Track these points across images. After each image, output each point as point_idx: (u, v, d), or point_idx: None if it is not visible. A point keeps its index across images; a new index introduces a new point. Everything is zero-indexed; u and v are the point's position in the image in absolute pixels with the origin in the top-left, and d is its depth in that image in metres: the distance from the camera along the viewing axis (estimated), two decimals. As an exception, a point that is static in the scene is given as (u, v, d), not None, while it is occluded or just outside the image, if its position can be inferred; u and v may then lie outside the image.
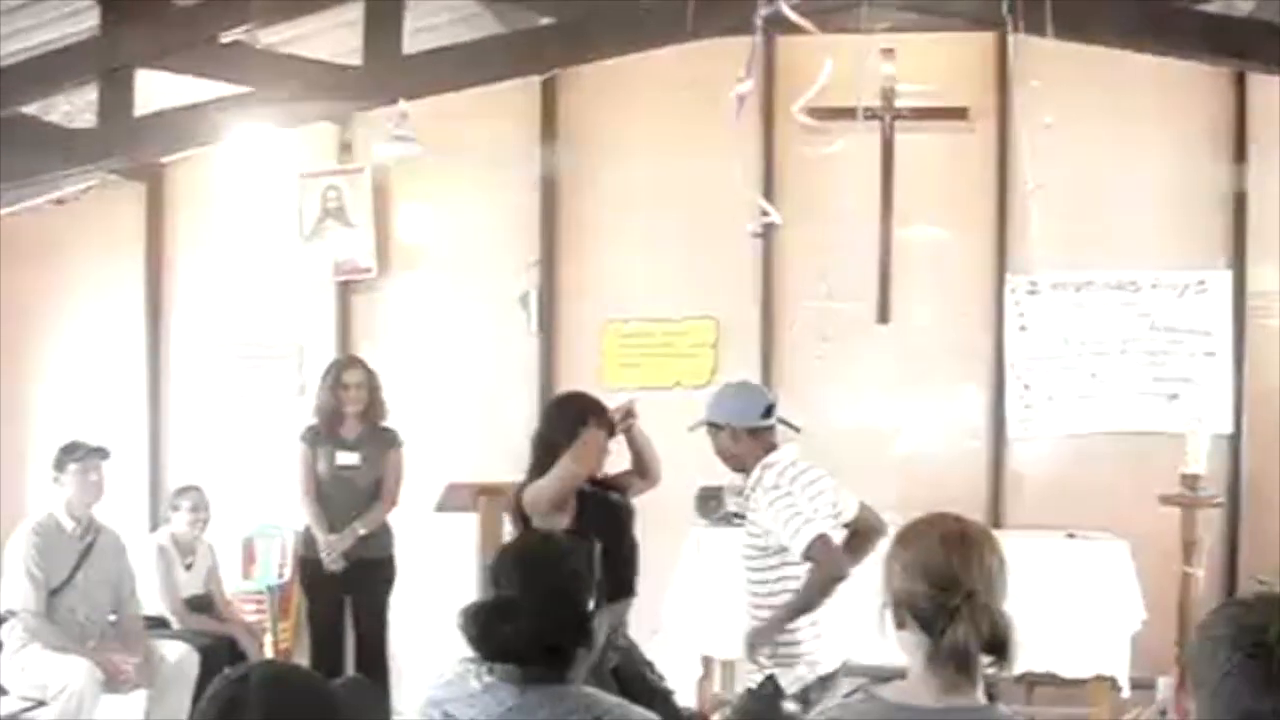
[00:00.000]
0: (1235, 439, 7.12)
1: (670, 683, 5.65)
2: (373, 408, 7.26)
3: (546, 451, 5.26)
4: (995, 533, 6.79)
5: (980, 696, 2.72)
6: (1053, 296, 7.31)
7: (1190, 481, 6.37)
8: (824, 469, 4.92)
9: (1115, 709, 6.28)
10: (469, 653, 2.90)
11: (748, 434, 4.85)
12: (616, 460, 5.53)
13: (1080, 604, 6.26)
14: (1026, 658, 6.29)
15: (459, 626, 2.85)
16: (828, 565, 4.61)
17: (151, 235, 8.43)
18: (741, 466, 4.89)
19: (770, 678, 4.73)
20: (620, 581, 4.99)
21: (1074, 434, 7.31)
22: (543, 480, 5.14)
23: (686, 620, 6.65)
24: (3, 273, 8.13)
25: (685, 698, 6.31)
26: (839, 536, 4.83)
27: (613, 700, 2.89)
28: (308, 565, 7.31)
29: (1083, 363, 7.27)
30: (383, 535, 7.24)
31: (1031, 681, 6.55)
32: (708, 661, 6.80)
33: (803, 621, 4.68)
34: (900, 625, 2.70)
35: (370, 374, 7.29)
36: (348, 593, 7.24)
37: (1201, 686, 2.24)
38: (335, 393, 7.18)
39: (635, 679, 5.26)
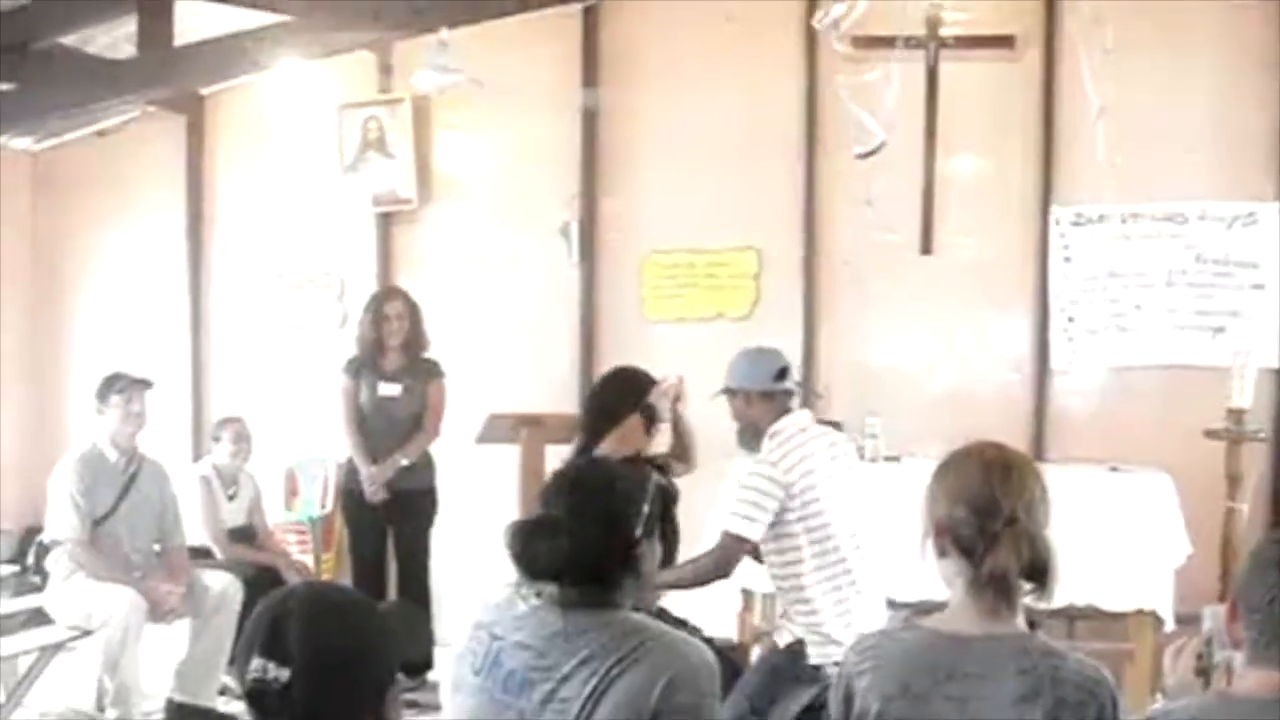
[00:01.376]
0: (1281, 373, 7.04)
1: (706, 631, 5.70)
2: (414, 339, 7.26)
3: (600, 419, 5.21)
4: (1039, 465, 6.81)
5: (1021, 624, 2.75)
6: (1098, 228, 7.21)
7: (1235, 416, 6.30)
8: (835, 435, 4.97)
9: (1158, 643, 6.24)
10: (514, 575, 2.89)
11: (760, 397, 4.89)
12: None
13: (1123, 537, 6.20)
14: (1068, 590, 6.32)
15: (505, 543, 2.85)
16: (717, 561, 4.80)
17: (192, 167, 8.45)
18: (756, 432, 4.88)
19: (801, 641, 4.77)
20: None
21: (1118, 367, 7.23)
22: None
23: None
24: (45, 204, 8.17)
25: (726, 629, 6.33)
26: (854, 513, 4.86)
27: (660, 626, 2.87)
28: (350, 497, 7.34)
29: (1128, 295, 7.17)
30: (424, 467, 7.26)
31: (1073, 615, 6.52)
32: (748, 594, 6.79)
33: (828, 605, 4.72)
34: (941, 553, 2.74)
35: (412, 305, 7.28)
36: (390, 524, 7.27)
37: (1253, 612, 2.24)
38: (376, 324, 7.18)
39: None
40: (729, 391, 4.97)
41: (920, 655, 2.72)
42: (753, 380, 4.91)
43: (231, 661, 6.10)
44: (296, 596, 2.26)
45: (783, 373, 4.95)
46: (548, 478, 3.12)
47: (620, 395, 5.27)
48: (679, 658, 2.78)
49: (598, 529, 2.83)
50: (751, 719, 4.79)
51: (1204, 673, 2.68)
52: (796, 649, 4.78)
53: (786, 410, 4.90)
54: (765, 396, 4.89)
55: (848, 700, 2.82)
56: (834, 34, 6.37)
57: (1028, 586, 2.69)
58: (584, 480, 3.00)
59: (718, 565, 4.83)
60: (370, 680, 2.23)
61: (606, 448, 4.95)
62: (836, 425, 6.86)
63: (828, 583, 4.73)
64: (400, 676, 2.28)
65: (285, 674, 2.13)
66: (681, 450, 5.46)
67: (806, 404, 7.14)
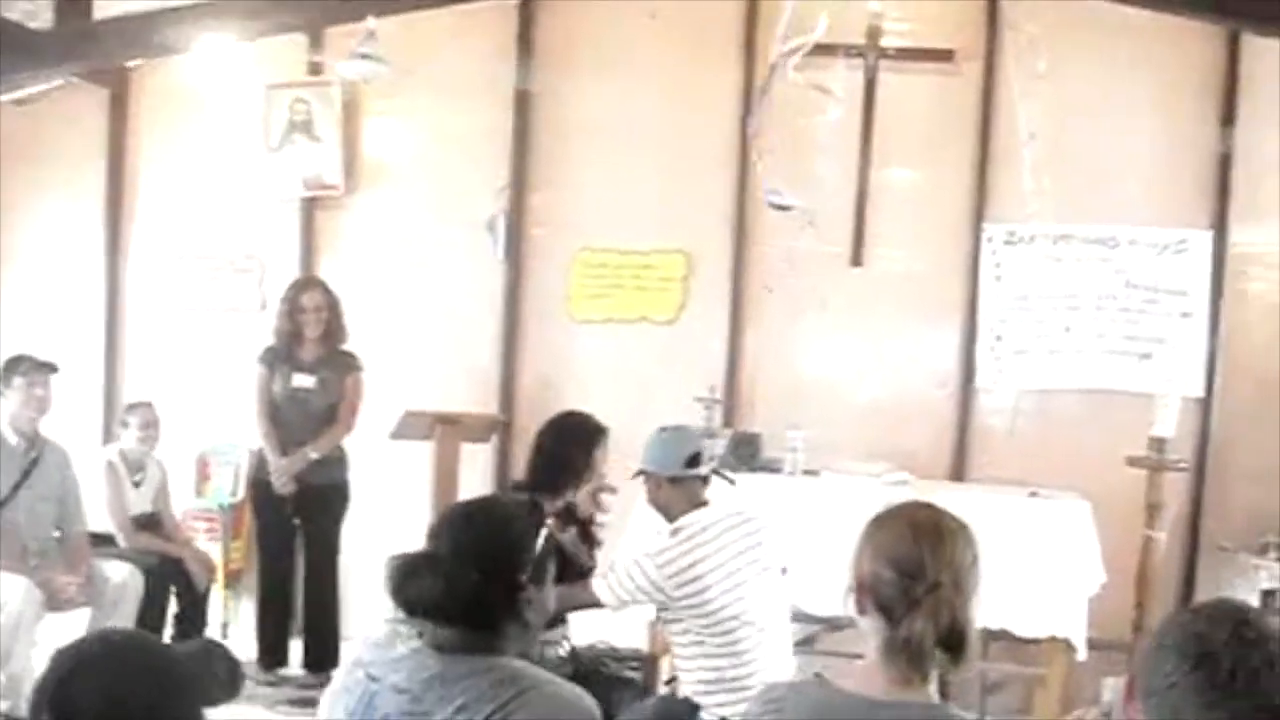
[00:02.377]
0: (1206, 403, 7.01)
1: (623, 629, 5.62)
2: (333, 331, 7.12)
3: (553, 468, 5.20)
4: (958, 487, 6.77)
5: (932, 693, 2.67)
6: (1030, 248, 7.17)
7: (1158, 444, 6.28)
8: (753, 524, 4.73)
9: (1068, 670, 6.22)
10: (394, 612, 2.79)
11: (669, 483, 4.73)
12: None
13: (1039, 564, 6.16)
14: (984, 613, 6.27)
15: (384, 578, 2.75)
16: (581, 602, 4.71)
17: (114, 141, 8.23)
18: (669, 516, 4.73)
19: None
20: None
21: (1043, 389, 7.20)
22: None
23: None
24: (-41, 173, 7.95)
25: (637, 639, 6.24)
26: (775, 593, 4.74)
27: (543, 674, 2.76)
28: (259, 487, 7.23)
29: (1056, 317, 7.14)
30: (336, 461, 7.14)
31: (986, 638, 6.49)
32: (661, 604, 6.71)
33: (715, 678, 4.59)
34: (861, 611, 2.66)
35: (330, 296, 7.15)
36: (299, 517, 7.15)
37: (1149, 696, 2.17)
38: (293, 315, 7.05)
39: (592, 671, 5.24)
40: (642, 472, 4.82)
41: (825, 715, 2.64)
42: (662, 465, 4.74)
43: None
44: (86, 652, 2.18)
45: (694, 458, 4.76)
46: (440, 513, 3.01)
47: (568, 445, 5.26)
48: (558, 709, 2.67)
49: (479, 570, 2.72)
50: None
51: (1100, 746, 2.61)
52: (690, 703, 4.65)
53: (697, 499, 4.74)
54: (675, 482, 4.72)
55: (746, 751, 2.73)
56: (786, 63, 6.25)
57: (942, 656, 2.60)
58: (473, 518, 2.89)
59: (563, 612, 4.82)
60: None
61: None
62: (755, 438, 6.85)
63: (717, 658, 4.58)
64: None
65: None
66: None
67: (728, 424, 7.14)
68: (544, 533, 2.87)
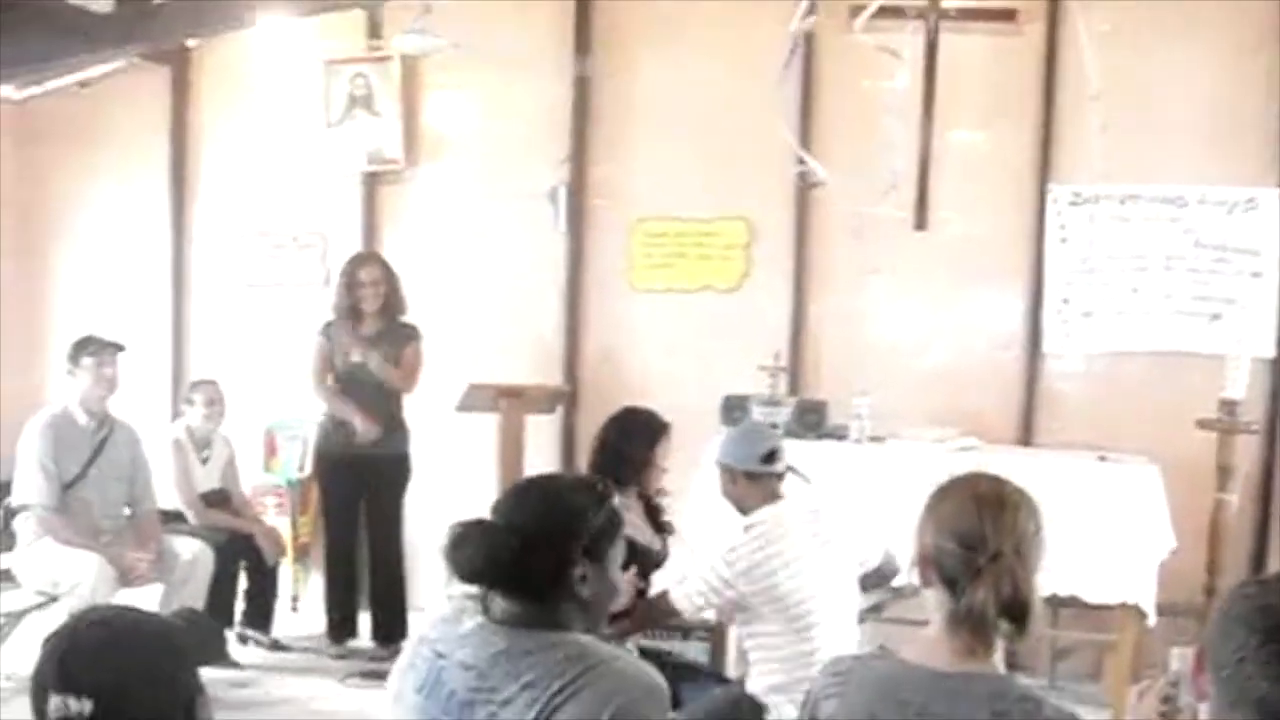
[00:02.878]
0: (1277, 364, 6.89)
1: (699, 635, 5.64)
2: (391, 304, 7.13)
3: (615, 463, 5.15)
4: (1026, 452, 6.72)
5: (998, 663, 2.67)
6: (1095, 209, 7.07)
7: (1228, 406, 6.19)
8: (826, 520, 4.72)
9: (1139, 636, 6.16)
10: (461, 586, 2.79)
11: (745, 477, 4.73)
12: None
13: (1109, 530, 6.10)
14: (1052, 580, 6.21)
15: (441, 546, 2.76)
16: (660, 614, 4.78)
17: (176, 120, 8.28)
18: (741, 511, 4.74)
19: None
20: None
21: (1111, 351, 7.11)
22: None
23: (705, 529, 6.55)
24: (25, 155, 8.02)
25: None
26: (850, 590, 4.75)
27: (609, 651, 2.74)
28: (324, 460, 7.28)
29: (1124, 279, 7.04)
30: (398, 433, 7.18)
31: (1056, 604, 6.44)
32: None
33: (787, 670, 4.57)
34: (926, 583, 2.69)
35: (388, 269, 7.16)
36: (363, 489, 7.19)
37: (1219, 669, 2.14)
38: (351, 290, 7.07)
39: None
40: (719, 465, 4.84)
41: (891, 687, 2.64)
42: (739, 459, 4.75)
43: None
44: (83, 628, 2.21)
45: (771, 455, 4.76)
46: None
47: (630, 441, 5.26)
48: (626, 686, 2.64)
49: (522, 537, 2.70)
50: None
51: (1167, 716, 2.58)
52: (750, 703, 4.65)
53: (773, 494, 4.73)
54: (750, 477, 4.73)
55: (813, 723, 2.74)
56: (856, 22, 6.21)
57: (1006, 626, 2.61)
58: (529, 491, 2.88)
59: (658, 617, 4.87)
60: (177, 699, 2.18)
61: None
62: (821, 405, 6.82)
63: (789, 660, 4.54)
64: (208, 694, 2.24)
65: (88, 706, 2.06)
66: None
67: (793, 391, 7.10)
68: (609, 511, 2.85)
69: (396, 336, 7.13)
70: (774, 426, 6.10)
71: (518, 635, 2.70)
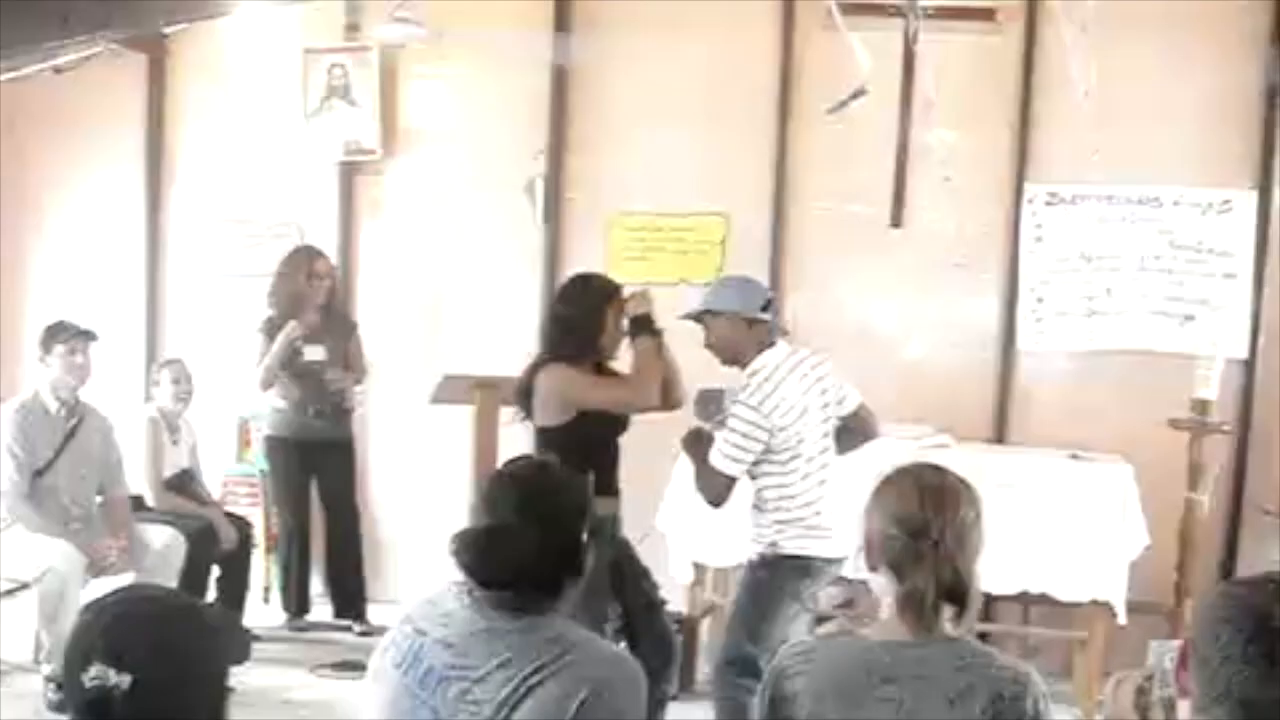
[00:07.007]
0: (1250, 365, 6.94)
1: (662, 593, 5.61)
2: (334, 296, 7.33)
3: (566, 331, 5.23)
4: (999, 449, 6.76)
5: (949, 630, 2.81)
6: (1071, 208, 7.11)
7: (1201, 406, 6.24)
8: (821, 355, 5.03)
9: (1109, 634, 6.19)
10: (460, 576, 2.82)
11: (747, 324, 4.94)
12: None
13: (1081, 528, 6.15)
14: (1024, 578, 6.26)
15: (452, 553, 2.78)
16: (714, 490, 4.90)
17: (152, 108, 8.22)
18: (735, 358, 4.96)
19: (774, 544, 4.92)
20: (609, 483, 5.16)
21: (1085, 350, 7.15)
22: (596, 384, 5.21)
23: (680, 525, 6.56)
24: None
25: (676, 602, 6.25)
26: (828, 426, 5.02)
27: (585, 635, 2.82)
28: (275, 442, 7.41)
29: (1098, 278, 7.09)
30: (344, 417, 7.34)
31: (1027, 602, 6.49)
32: (700, 568, 6.73)
33: (797, 506, 4.91)
34: (872, 568, 2.85)
35: (331, 264, 7.42)
36: (312, 473, 7.37)
37: (1203, 667, 2.15)
38: (310, 282, 7.14)
39: (630, 580, 5.37)
40: (711, 314, 5.01)
41: (855, 659, 2.79)
42: (742, 305, 4.97)
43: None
44: (125, 602, 2.22)
45: (769, 303, 5.02)
46: (488, 478, 3.02)
47: (581, 308, 5.25)
48: (601, 670, 2.70)
49: (550, 537, 2.78)
50: (748, 646, 4.86)
51: (1142, 709, 2.61)
52: (769, 555, 4.91)
53: (768, 342, 4.95)
54: (752, 324, 4.94)
55: (775, 702, 2.85)
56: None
57: (947, 609, 2.76)
58: (533, 486, 2.91)
59: (714, 499, 4.94)
60: (208, 694, 2.18)
61: (626, 394, 5.19)
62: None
63: (798, 487, 4.88)
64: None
65: (127, 680, 2.05)
66: (666, 391, 5.33)
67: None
68: (589, 489, 2.97)
69: (340, 329, 7.31)
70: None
71: (500, 617, 2.75)
